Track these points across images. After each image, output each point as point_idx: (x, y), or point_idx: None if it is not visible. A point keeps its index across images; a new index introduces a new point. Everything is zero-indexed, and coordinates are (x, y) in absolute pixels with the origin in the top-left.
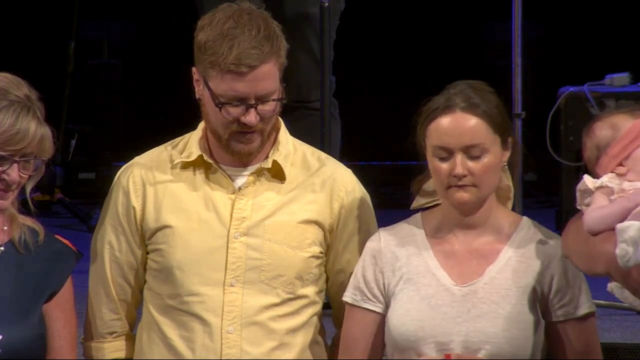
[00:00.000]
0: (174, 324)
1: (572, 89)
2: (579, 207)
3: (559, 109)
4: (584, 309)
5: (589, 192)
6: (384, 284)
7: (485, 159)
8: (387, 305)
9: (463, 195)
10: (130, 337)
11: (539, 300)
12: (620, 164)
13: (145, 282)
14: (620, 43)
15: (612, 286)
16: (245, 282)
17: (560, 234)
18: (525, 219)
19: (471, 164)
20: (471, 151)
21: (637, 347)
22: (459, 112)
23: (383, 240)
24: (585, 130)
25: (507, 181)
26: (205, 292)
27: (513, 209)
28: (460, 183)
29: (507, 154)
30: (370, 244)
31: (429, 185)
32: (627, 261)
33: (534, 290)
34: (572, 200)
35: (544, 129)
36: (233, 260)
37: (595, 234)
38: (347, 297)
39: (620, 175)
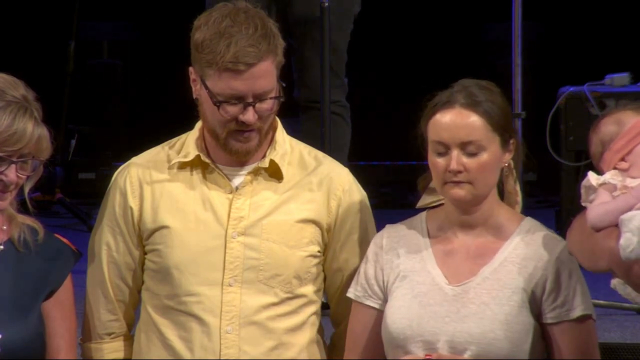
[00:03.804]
0: (172, 324)
1: (572, 89)
2: (583, 204)
3: (559, 109)
4: (577, 311)
5: (593, 189)
6: (383, 281)
7: (482, 157)
8: (386, 302)
9: (458, 192)
10: (129, 338)
11: (532, 302)
12: (623, 160)
13: (143, 282)
14: (620, 43)
15: (615, 283)
16: (244, 281)
17: (560, 233)
18: (527, 219)
19: (467, 160)
20: (467, 148)
21: (637, 347)
22: (458, 108)
23: (386, 237)
24: (592, 126)
25: (515, 185)
26: (203, 292)
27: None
28: (455, 179)
29: (508, 156)
30: (375, 241)
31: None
32: (630, 252)
33: (525, 292)
34: (572, 200)
35: (544, 129)
36: (231, 260)
37: (598, 229)
38: (350, 293)
39: (622, 170)
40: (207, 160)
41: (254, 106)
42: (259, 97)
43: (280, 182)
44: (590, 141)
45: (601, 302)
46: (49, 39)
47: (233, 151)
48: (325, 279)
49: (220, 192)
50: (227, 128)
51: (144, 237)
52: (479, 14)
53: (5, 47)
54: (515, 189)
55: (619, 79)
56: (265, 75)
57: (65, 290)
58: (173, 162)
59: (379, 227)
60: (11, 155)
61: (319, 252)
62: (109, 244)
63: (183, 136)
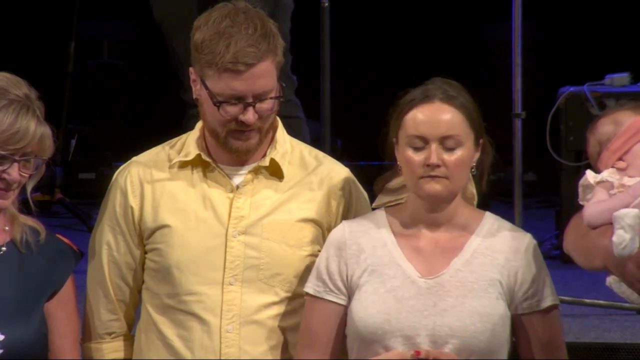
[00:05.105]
0: (172, 323)
1: (572, 89)
2: (580, 203)
3: (559, 109)
4: (547, 301)
5: (591, 187)
6: (347, 276)
7: (459, 152)
8: (350, 297)
9: (434, 186)
10: (129, 338)
11: (505, 293)
12: (621, 159)
13: (143, 282)
14: (620, 43)
15: (610, 280)
16: (244, 281)
17: (560, 233)
18: (488, 214)
19: (445, 155)
20: (446, 142)
21: (637, 347)
22: (437, 102)
23: (348, 231)
24: (589, 126)
25: (472, 189)
26: (203, 291)
27: (513, 209)
28: (432, 173)
29: (477, 155)
30: (335, 235)
31: (393, 184)
32: (622, 248)
33: (499, 284)
34: (572, 200)
35: (544, 129)
36: (231, 259)
37: (594, 227)
38: (309, 288)
39: (620, 169)
40: (207, 159)
41: (254, 106)
42: (259, 97)
43: (280, 182)
44: (588, 142)
45: (601, 302)
46: (49, 39)
47: (233, 149)
48: None
49: (220, 191)
50: (227, 127)
51: (144, 237)
52: (479, 13)
53: (6, 47)
54: (472, 192)
55: (619, 79)
56: (265, 75)
57: (68, 290)
58: (174, 161)
59: None
60: (14, 153)
61: (319, 251)
62: (109, 244)
63: (184, 136)
